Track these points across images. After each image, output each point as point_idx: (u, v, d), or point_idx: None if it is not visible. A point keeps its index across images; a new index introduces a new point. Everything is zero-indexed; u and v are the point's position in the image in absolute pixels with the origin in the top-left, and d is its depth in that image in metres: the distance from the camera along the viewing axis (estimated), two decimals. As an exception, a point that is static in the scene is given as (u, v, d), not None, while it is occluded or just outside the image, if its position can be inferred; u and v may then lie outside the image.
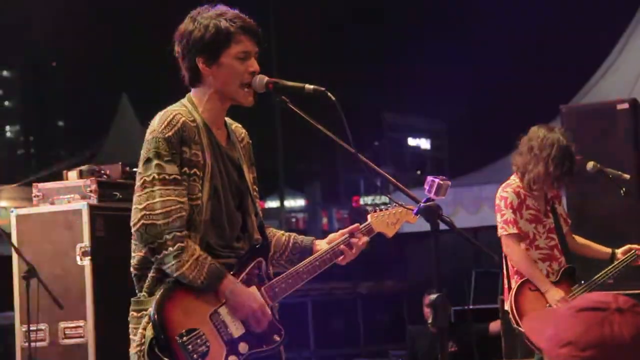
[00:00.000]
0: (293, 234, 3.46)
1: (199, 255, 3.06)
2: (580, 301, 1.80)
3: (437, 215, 2.99)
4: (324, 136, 3.09)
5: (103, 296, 5.52)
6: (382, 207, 3.50)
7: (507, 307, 4.87)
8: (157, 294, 3.07)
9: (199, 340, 3.04)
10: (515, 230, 4.89)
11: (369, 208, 16.07)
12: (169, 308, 3.05)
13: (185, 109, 3.19)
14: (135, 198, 3.11)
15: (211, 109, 3.22)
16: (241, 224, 3.26)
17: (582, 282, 4.95)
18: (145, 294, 3.13)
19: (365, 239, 3.36)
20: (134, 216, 3.08)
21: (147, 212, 3.04)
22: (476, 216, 10.36)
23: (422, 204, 3.00)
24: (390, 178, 3.16)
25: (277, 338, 3.19)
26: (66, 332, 5.62)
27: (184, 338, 3.03)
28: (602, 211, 6.34)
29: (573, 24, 9.97)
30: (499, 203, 4.98)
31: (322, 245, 3.38)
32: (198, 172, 3.12)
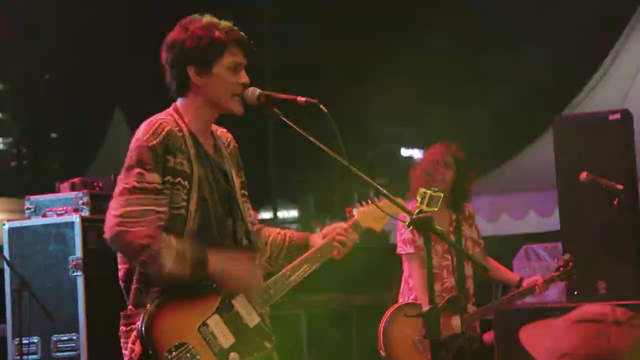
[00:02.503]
0: (289, 232, 3.45)
1: (177, 250, 3.01)
2: (578, 313, 1.79)
3: (429, 226, 2.98)
4: (317, 148, 3.09)
5: (96, 309, 5.50)
6: (368, 201, 3.46)
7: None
8: (146, 307, 3.04)
9: (188, 354, 3.01)
10: (412, 250, 4.95)
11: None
12: (156, 323, 3.02)
13: (171, 118, 3.17)
14: (111, 204, 3.06)
15: (199, 118, 3.20)
16: (233, 231, 3.24)
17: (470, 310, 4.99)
18: (132, 306, 3.12)
19: (354, 235, 3.36)
20: (108, 221, 3.02)
21: (124, 219, 3.00)
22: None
23: (414, 216, 3.00)
24: (382, 190, 3.15)
25: (267, 345, 3.17)
26: (59, 346, 5.60)
27: (173, 354, 2.99)
28: (595, 221, 6.32)
29: (565, 33, 10.01)
30: (399, 222, 5.00)
31: (316, 240, 3.38)
32: (183, 182, 3.10)
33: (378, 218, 3.40)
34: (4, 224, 5.89)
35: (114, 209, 3.03)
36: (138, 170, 3.05)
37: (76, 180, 5.92)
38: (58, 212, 5.77)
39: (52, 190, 5.95)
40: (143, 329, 3.00)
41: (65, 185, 5.90)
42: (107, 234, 3.03)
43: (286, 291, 3.28)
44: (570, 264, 5.20)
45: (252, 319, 3.15)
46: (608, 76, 10.19)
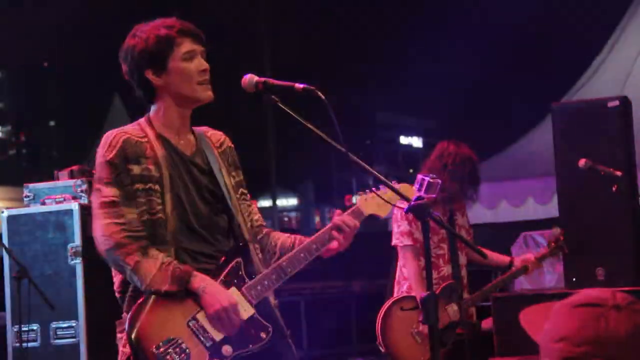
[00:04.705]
0: (299, 236, 3.40)
1: (161, 263, 3.03)
2: (577, 297, 1.79)
3: (427, 213, 2.97)
4: (316, 136, 3.07)
5: (95, 296, 5.50)
6: (371, 189, 3.40)
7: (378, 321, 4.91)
8: (136, 304, 3.04)
9: (177, 349, 2.99)
10: (410, 242, 4.95)
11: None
12: (143, 321, 3.00)
13: (136, 127, 3.20)
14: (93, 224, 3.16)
15: (169, 118, 3.21)
16: (227, 228, 3.23)
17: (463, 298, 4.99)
18: (126, 314, 3.12)
19: (354, 222, 3.28)
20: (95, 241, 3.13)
21: (98, 241, 3.09)
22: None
23: (412, 202, 2.98)
24: (381, 177, 3.13)
25: (263, 335, 3.14)
26: (58, 333, 5.60)
27: (161, 349, 2.97)
28: (594, 208, 6.33)
29: (564, 22, 9.96)
30: (396, 213, 5.00)
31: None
32: (154, 186, 3.11)
33: (382, 204, 3.33)
34: (2, 212, 5.89)
35: (93, 230, 3.13)
36: (97, 186, 3.13)
37: (75, 168, 5.91)
38: (57, 200, 5.77)
39: (51, 178, 5.94)
40: (129, 328, 2.99)
41: (64, 173, 5.89)
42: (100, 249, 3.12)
43: (283, 282, 3.24)
44: (561, 238, 5.21)
45: (245, 312, 3.12)
46: (607, 63, 10.18)
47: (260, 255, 3.28)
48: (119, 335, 3.15)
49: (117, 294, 3.17)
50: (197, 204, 3.17)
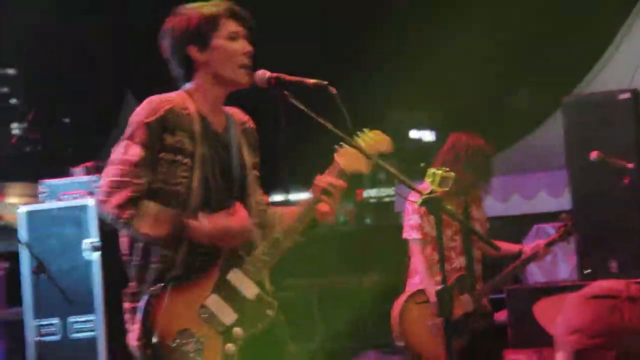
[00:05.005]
0: (291, 207, 3.38)
1: (157, 211, 3.03)
2: (591, 289, 1.78)
3: (440, 206, 2.97)
4: (327, 131, 3.08)
5: (112, 290, 5.53)
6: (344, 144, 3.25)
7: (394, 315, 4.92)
8: (148, 293, 3.05)
9: (192, 339, 3.02)
10: (419, 236, 4.94)
11: (373, 200, 15.98)
12: (156, 315, 3.02)
13: (179, 97, 3.17)
14: (103, 172, 3.14)
15: (207, 97, 3.20)
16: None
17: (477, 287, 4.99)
18: (135, 283, 3.14)
19: (338, 181, 3.23)
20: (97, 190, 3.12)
21: (103, 190, 3.06)
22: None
23: (425, 196, 2.98)
24: (392, 170, 3.13)
25: (269, 312, 3.15)
26: (76, 327, 5.63)
27: (177, 341, 3.00)
28: (606, 201, 6.32)
29: (573, 17, 9.92)
30: (408, 207, 4.99)
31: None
32: (183, 160, 3.10)
33: (360, 156, 3.24)
34: (19, 208, 5.92)
35: (102, 177, 3.11)
36: (126, 142, 3.09)
37: (89, 164, 5.94)
38: (73, 196, 5.79)
39: (66, 174, 5.97)
40: (145, 320, 3.01)
41: (79, 169, 5.92)
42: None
43: (280, 256, 3.21)
44: (569, 222, 5.20)
45: (250, 291, 3.13)
46: (617, 55, 10.13)
47: (259, 233, 3.26)
48: (127, 305, 3.15)
49: (124, 257, 3.19)
50: (219, 186, 3.17)
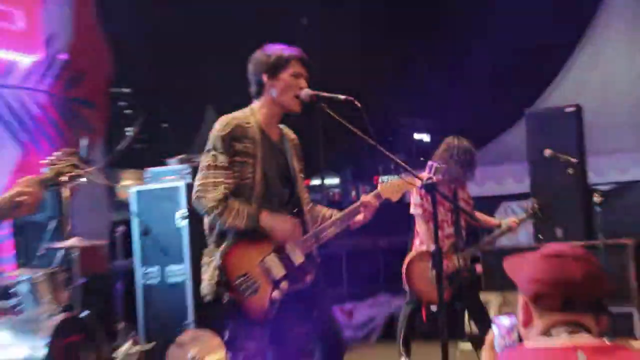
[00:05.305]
0: (335, 211, 3.39)
1: (238, 208, 3.05)
2: (546, 250, 1.78)
3: (435, 190, 2.98)
4: (353, 133, 3.07)
5: (196, 247, 5.56)
6: (390, 178, 3.39)
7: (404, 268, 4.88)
8: (223, 246, 3.07)
9: (250, 282, 3.03)
10: (420, 211, 4.88)
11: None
12: (229, 258, 3.04)
13: (243, 114, 3.19)
14: (197, 176, 3.14)
15: (266, 113, 3.21)
16: (289, 200, 3.22)
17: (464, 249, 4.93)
18: (213, 245, 3.15)
19: (375, 201, 3.27)
20: (194, 188, 3.12)
21: (201, 188, 3.07)
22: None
23: (424, 181, 2.99)
24: (401, 162, 3.13)
25: (308, 278, 3.15)
26: (170, 273, 5.68)
27: (239, 280, 3.02)
28: (555, 185, 6.28)
29: (533, 48, 9.66)
30: (412, 190, 4.95)
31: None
32: (248, 160, 3.11)
33: (396, 191, 3.31)
34: (131, 188, 5.97)
35: (198, 179, 3.11)
36: (213, 152, 3.10)
37: (181, 156, 5.97)
38: (169, 180, 5.83)
39: (164, 164, 6.01)
40: (220, 261, 3.04)
41: (173, 160, 5.96)
42: (193, 197, 3.11)
43: (320, 244, 3.23)
44: (535, 206, 5.14)
45: (298, 259, 3.14)
46: (567, 76, 10.00)
47: (310, 220, 3.29)
48: (205, 259, 3.15)
49: (205, 229, 3.19)
50: (276, 181, 3.18)
